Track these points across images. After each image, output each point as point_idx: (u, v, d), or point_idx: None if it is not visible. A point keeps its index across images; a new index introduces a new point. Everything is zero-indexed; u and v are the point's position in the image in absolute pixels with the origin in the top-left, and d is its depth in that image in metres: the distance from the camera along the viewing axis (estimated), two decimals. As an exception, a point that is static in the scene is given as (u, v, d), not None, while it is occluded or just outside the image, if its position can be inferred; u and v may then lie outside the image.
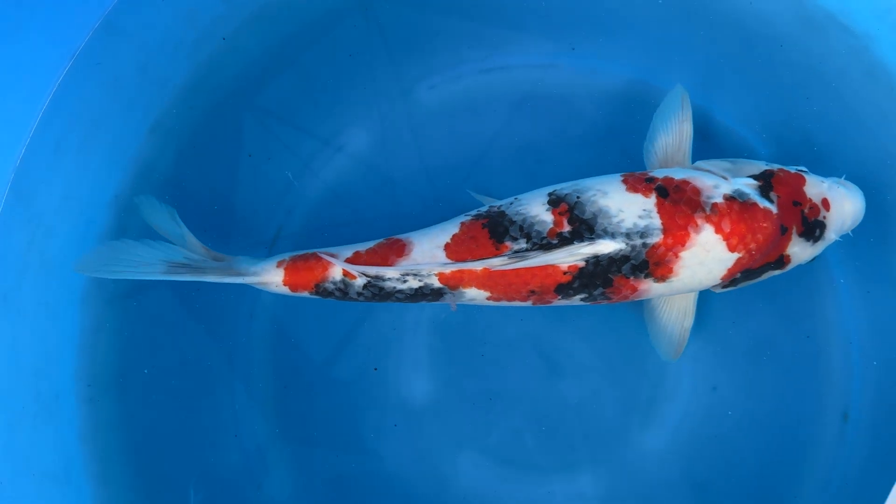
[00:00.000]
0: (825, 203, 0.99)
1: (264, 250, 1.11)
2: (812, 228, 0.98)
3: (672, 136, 1.04)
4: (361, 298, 0.96)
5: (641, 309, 1.12)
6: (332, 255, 0.95)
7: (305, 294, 0.97)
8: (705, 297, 1.11)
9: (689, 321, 1.04)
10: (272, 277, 0.96)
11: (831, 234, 1.00)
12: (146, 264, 0.91)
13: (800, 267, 1.14)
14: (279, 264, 0.96)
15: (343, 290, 0.96)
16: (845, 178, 1.02)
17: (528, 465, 1.11)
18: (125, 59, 1.00)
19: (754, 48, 1.16)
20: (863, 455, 1.10)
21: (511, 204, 0.96)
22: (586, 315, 1.13)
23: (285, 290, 0.96)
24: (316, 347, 1.12)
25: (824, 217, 0.99)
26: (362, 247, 0.97)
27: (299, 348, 1.11)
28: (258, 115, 1.15)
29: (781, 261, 0.98)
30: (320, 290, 0.96)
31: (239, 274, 0.95)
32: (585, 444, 1.12)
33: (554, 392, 1.13)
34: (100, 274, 0.91)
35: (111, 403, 1.05)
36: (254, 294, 1.08)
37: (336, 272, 0.95)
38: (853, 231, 1.03)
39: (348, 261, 0.95)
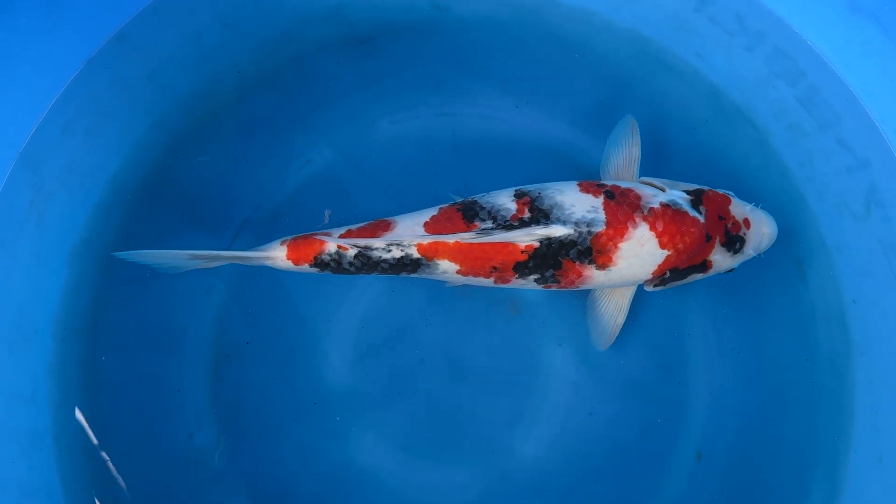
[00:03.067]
0: (746, 222, 1.16)
1: (227, 238, 1.31)
2: (733, 241, 1.14)
3: (622, 158, 1.21)
4: (352, 269, 1.12)
5: (541, 335, 1.30)
6: (328, 234, 1.13)
7: (305, 267, 1.13)
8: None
9: (621, 318, 1.19)
10: (277, 254, 1.12)
11: (749, 250, 1.16)
12: (177, 258, 1.12)
13: (682, 324, 1.31)
14: (282, 243, 1.13)
15: (337, 262, 1.12)
16: (760, 206, 1.19)
17: (420, 453, 1.28)
18: (135, 67, 1.21)
19: (671, 128, 1.33)
20: (710, 491, 1.26)
21: (482, 196, 1.14)
22: (493, 334, 1.31)
23: (289, 264, 1.13)
24: (259, 327, 1.30)
25: (744, 233, 1.16)
26: (354, 226, 1.14)
27: (244, 325, 1.30)
28: (244, 124, 1.34)
29: (704, 265, 1.14)
30: (318, 262, 1.12)
31: (248, 255, 1.12)
32: (472, 444, 1.29)
33: (454, 395, 1.29)
34: (142, 261, 1.12)
35: (80, 345, 1.25)
36: (214, 272, 1.27)
37: (331, 246, 1.12)
38: (733, 304, 1.19)
39: (341, 236, 1.12)
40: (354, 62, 1.35)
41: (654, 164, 1.33)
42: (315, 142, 1.35)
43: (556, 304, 1.31)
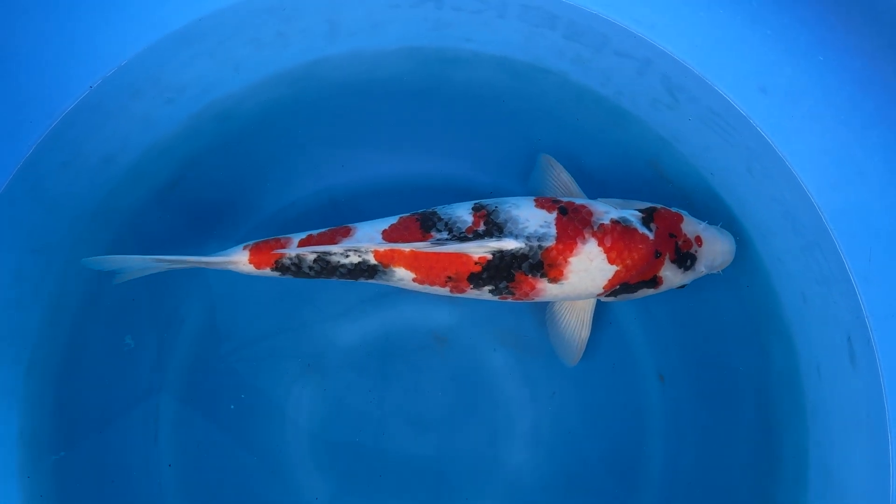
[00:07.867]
0: (698, 240, 1.19)
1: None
2: (684, 258, 1.18)
3: (559, 189, 1.26)
4: (312, 273, 1.15)
5: (475, 350, 1.33)
6: (288, 239, 1.15)
7: (267, 271, 1.15)
8: (525, 317, 1.32)
9: (585, 332, 1.22)
10: (239, 258, 1.15)
11: (701, 267, 1.20)
12: (143, 262, 1.14)
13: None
14: (245, 248, 1.15)
15: (297, 265, 1.14)
16: (721, 226, 1.23)
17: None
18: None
19: (483, 108, 1.37)
20: (683, 404, 1.33)
21: (442, 208, 1.17)
22: (433, 372, 1.33)
23: (251, 268, 1.15)
24: (223, 416, 1.32)
25: (695, 251, 1.19)
26: (315, 231, 1.17)
27: (208, 414, 1.32)
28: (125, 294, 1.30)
29: (655, 281, 1.18)
30: (279, 266, 1.15)
31: (212, 260, 1.14)
32: (469, 480, 1.31)
33: (428, 446, 1.32)
34: (107, 268, 1.15)
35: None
36: (154, 405, 1.31)
37: (292, 250, 1.14)
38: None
39: (301, 242, 1.15)
40: (176, 209, 1.33)
41: (479, 146, 1.37)
42: (184, 299, 1.35)
43: (474, 317, 1.35)
